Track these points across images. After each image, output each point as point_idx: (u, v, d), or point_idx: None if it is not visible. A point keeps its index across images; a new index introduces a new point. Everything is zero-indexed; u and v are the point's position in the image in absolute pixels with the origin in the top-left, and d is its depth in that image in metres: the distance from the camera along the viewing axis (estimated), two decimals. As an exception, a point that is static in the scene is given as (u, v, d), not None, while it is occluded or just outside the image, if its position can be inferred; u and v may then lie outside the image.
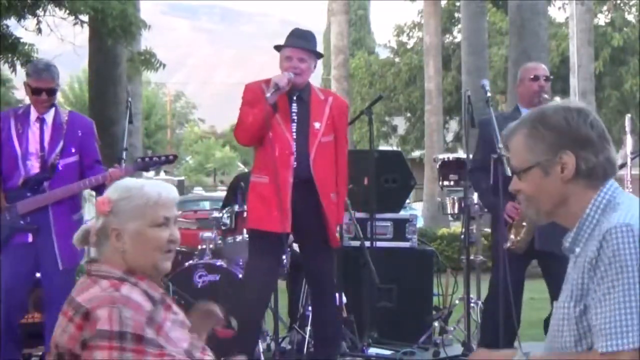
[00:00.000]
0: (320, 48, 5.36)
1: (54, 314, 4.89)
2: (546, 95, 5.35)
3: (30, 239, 4.87)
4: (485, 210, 6.11)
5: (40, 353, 5.64)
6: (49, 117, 4.99)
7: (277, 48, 5.05)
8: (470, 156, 5.70)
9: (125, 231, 2.44)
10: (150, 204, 2.45)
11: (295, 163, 4.91)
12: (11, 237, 4.86)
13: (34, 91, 4.93)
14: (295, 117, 4.99)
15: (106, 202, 2.46)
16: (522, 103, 5.42)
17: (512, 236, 4.92)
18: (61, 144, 4.95)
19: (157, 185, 2.52)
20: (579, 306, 1.97)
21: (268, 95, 4.79)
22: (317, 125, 4.99)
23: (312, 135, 4.97)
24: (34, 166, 4.93)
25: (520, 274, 5.08)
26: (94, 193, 8.27)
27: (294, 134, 4.95)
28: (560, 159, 2.07)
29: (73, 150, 4.99)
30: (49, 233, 4.86)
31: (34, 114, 4.99)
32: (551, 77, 5.54)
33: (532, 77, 5.38)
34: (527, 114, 2.19)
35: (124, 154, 5.31)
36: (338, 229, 5.17)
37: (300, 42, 4.99)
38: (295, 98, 5.00)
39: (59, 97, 38.28)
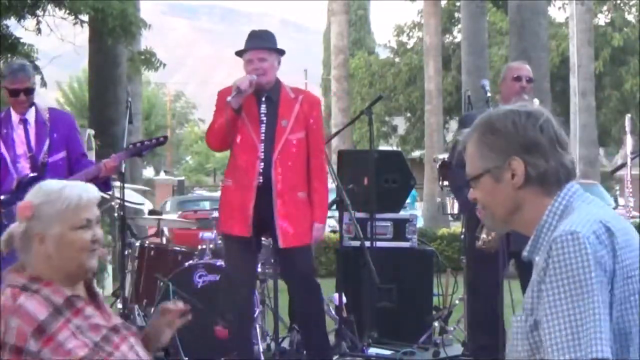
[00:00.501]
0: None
1: None
2: (526, 97, 5.34)
3: None
4: (460, 209, 6.09)
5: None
6: (31, 117, 5.00)
7: (239, 54, 5.04)
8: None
9: (48, 235, 2.44)
10: (72, 207, 2.45)
11: (262, 165, 4.90)
12: None
13: (11, 93, 4.93)
14: (264, 118, 4.96)
15: (28, 207, 2.47)
16: (503, 102, 5.43)
17: (483, 235, 4.87)
18: (47, 141, 4.96)
19: (77, 187, 2.53)
20: (529, 320, 1.90)
21: (229, 99, 4.78)
22: (284, 123, 4.95)
23: (279, 133, 4.93)
24: (25, 167, 4.94)
25: (496, 275, 4.99)
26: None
27: (262, 135, 4.92)
28: (510, 165, 1.98)
29: (60, 147, 4.99)
30: None
31: (15, 117, 4.99)
32: (533, 79, 5.52)
33: (514, 76, 5.37)
34: (477, 119, 2.10)
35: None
36: (315, 228, 5.02)
37: (257, 42, 4.99)
38: (264, 99, 4.98)
39: (59, 98, 38.37)
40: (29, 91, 4.95)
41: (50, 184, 2.54)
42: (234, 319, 5.02)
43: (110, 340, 2.43)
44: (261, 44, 4.98)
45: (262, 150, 4.91)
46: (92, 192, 2.53)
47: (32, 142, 4.95)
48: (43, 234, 2.44)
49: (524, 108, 2.03)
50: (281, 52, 5.04)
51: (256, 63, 4.91)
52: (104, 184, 5.14)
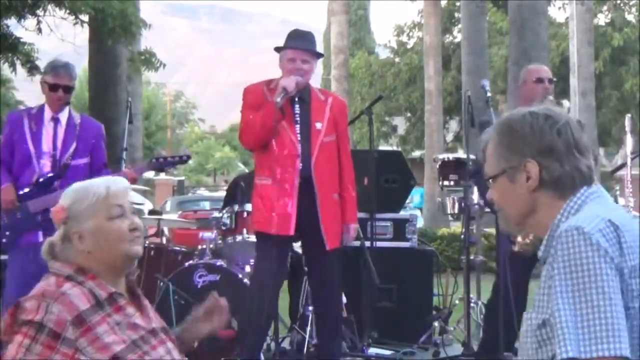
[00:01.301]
0: (320, 48, 5.37)
1: None
2: (551, 97, 5.34)
3: (41, 238, 4.92)
4: (490, 210, 6.09)
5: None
6: (63, 117, 5.04)
7: (278, 49, 5.05)
8: (471, 156, 5.69)
9: (85, 231, 2.48)
10: (101, 199, 2.50)
11: (301, 165, 4.92)
12: (21, 235, 4.89)
13: (50, 87, 4.98)
14: (298, 119, 4.99)
15: (60, 210, 2.54)
16: (525, 105, 5.41)
17: (519, 239, 4.89)
18: (74, 145, 5.00)
19: (103, 180, 2.59)
20: (538, 318, 1.90)
21: (278, 99, 4.78)
22: (318, 125, 5.00)
23: (314, 135, 4.97)
24: (46, 165, 4.98)
25: (525, 277, 5.06)
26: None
27: (298, 135, 4.96)
28: (525, 167, 2.00)
29: (85, 153, 5.04)
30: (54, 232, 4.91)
31: (48, 114, 5.03)
32: (554, 78, 5.53)
33: (535, 79, 5.36)
34: (498, 120, 2.13)
35: (124, 154, 5.34)
36: (350, 229, 5.10)
37: (302, 43, 4.99)
38: (296, 99, 5.00)
39: (59, 97, 38.50)
40: (68, 89, 5.00)
41: (77, 184, 2.60)
42: (256, 321, 4.94)
43: (148, 341, 2.46)
44: (307, 45, 4.99)
45: (300, 150, 4.93)
46: (119, 182, 2.58)
47: (59, 142, 4.99)
48: (80, 231, 2.49)
49: (544, 111, 2.03)
50: (320, 56, 5.12)
51: (298, 63, 4.93)
52: None
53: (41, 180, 4.93)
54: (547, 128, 1.99)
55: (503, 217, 2.10)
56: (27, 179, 4.95)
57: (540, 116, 2.02)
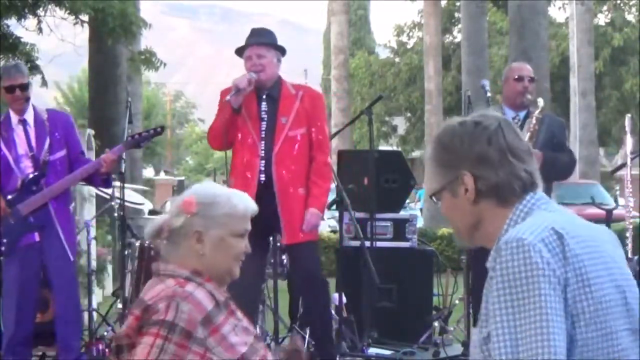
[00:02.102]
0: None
1: (65, 305, 4.96)
2: (529, 96, 5.36)
3: (37, 238, 4.93)
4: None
5: (40, 353, 5.65)
6: (30, 117, 5.06)
7: (238, 53, 5.04)
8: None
9: (208, 235, 2.47)
10: (238, 215, 2.51)
11: (262, 163, 4.90)
12: (19, 240, 4.91)
13: (7, 90, 4.99)
14: (265, 116, 4.96)
15: (193, 203, 2.49)
16: (506, 103, 5.47)
17: None
18: (48, 140, 5.01)
19: (243, 197, 2.59)
20: (483, 332, 1.85)
21: (228, 97, 4.79)
22: (283, 120, 4.94)
23: (278, 130, 4.93)
24: (27, 166, 4.99)
25: None
26: (93, 193, 8.32)
27: (263, 132, 4.93)
28: (462, 180, 1.94)
29: (60, 146, 5.04)
30: (54, 228, 4.94)
31: (14, 118, 5.05)
32: (535, 78, 5.54)
33: (516, 77, 5.40)
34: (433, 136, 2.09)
35: (124, 153, 5.34)
36: (308, 213, 4.96)
37: (255, 39, 4.98)
38: (264, 97, 4.98)
39: (59, 98, 38.35)
40: (24, 87, 5.00)
41: (216, 188, 2.62)
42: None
43: (259, 345, 2.48)
44: (260, 40, 4.98)
45: (263, 148, 4.91)
46: (253, 206, 2.60)
47: (33, 142, 5.00)
48: (203, 232, 2.47)
49: (476, 118, 1.98)
50: (281, 49, 5.03)
51: (255, 59, 4.91)
52: (104, 182, 5.18)
53: (26, 182, 4.93)
54: (476, 137, 1.93)
55: (454, 231, 2.06)
56: (12, 184, 4.96)
57: (469, 125, 1.96)
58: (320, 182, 5.01)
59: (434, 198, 2.03)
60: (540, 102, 5.42)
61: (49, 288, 5.16)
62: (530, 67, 5.61)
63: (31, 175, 4.94)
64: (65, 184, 4.99)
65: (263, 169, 4.90)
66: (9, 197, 4.93)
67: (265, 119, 4.96)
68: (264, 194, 4.86)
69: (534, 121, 5.26)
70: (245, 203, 2.55)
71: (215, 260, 2.48)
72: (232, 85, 4.84)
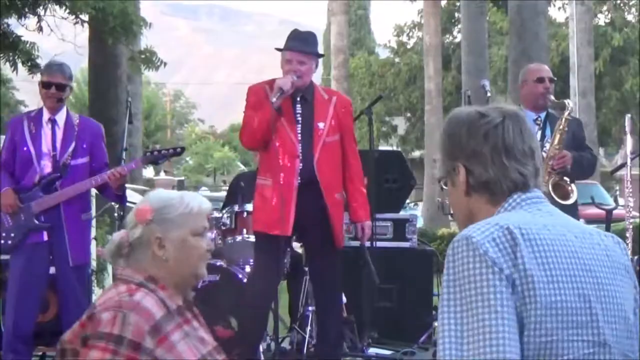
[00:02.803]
0: (320, 48, 5.37)
1: (67, 311, 4.96)
2: (552, 97, 5.34)
3: (45, 237, 4.96)
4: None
5: (40, 353, 5.65)
6: (61, 118, 5.09)
7: (279, 50, 5.06)
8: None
9: (169, 239, 2.46)
10: (193, 213, 2.49)
11: (301, 165, 4.92)
12: (27, 237, 4.93)
13: (44, 85, 5.06)
14: (300, 119, 4.99)
15: (147, 210, 2.47)
16: (526, 104, 5.40)
17: None
18: (73, 144, 5.05)
19: (196, 196, 2.59)
20: None
21: (273, 99, 4.79)
22: (321, 125, 4.99)
23: (316, 136, 4.97)
24: (47, 165, 5.02)
25: None
26: (93, 193, 8.32)
27: (299, 135, 4.96)
28: (457, 171, 1.92)
29: (84, 152, 5.07)
30: (61, 231, 4.96)
31: (46, 115, 5.09)
32: (554, 78, 5.54)
33: (536, 78, 5.36)
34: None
35: (124, 154, 5.34)
36: (364, 227, 5.16)
37: (299, 44, 5.00)
38: (298, 99, 5.00)
39: (59, 97, 38.45)
40: (60, 86, 5.04)
41: (166, 192, 2.59)
42: (254, 317, 4.99)
43: (214, 357, 2.44)
44: (303, 47, 4.99)
45: (300, 150, 4.93)
46: (207, 202, 2.58)
47: (58, 143, 5.04)
48: (163, 237, 2.46)
49: (484, 109, 1.94)
50: (320, 55, 5.12)
51: (295, 65, 4.92)
52: (118, 197, 5.12)
53: (43, 180, 4.96)
54: (475, 131, 1.90)
55: (455, 218, 2.05)
56: (29, 180, 5.00)
57: (473, 116, 1.93)
58: (362, 188, 5.15)
59: (441, 183, 2.03)
60: (570, 103, 5.40)
61: (53, 288, 5.16)
62: (548, 68, 5.60)
63: (50, 175, 4.97)
64: (79, 189, 5.00)
65: (300, 170, 4.93)
66: (24, 194, 4.96)
67: (300, 122, 4.99)
68: (301, 196, 4.90)
69: (563, 122, 5.22)
70: (199, 201, 2.54)
71: (179, 264, 2.46)
72: (275, 86, 4.83)
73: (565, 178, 5.14)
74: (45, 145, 5.02)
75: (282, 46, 5.07)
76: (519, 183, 1.88)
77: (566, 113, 5.24)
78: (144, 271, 2.44)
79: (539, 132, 5.31)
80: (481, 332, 1.68)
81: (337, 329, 5.18)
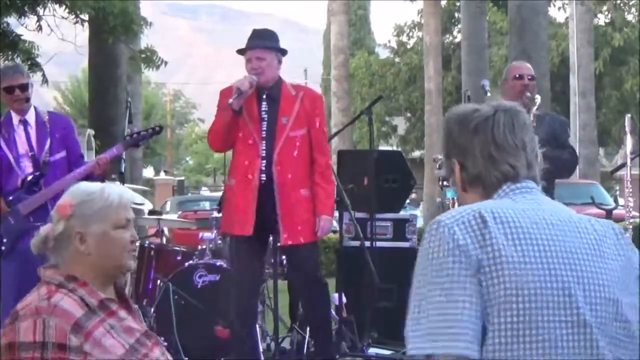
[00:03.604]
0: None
1: None
2: (529, 94, 5.36)
3: None
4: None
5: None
6: (31, 118, 5.07)
7: (240, 53, 5.04)
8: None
9: (89, 234, 2.45)
10: (114, 206, 2.48)
11: (263, 163, 4.90)
12: (19, 240, 4.91)
13: (6, 90, 4.99)
14: (265, 116, 4.96)
15: (67, 206, 2.48)
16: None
17: None
18: (48, 141, 5.03)
19: (117, 188, 2.60)
20: None
21: (231, 100, 4.78)
22: (284, 120, 4.94)
23: (279, 131, 4.93)
24: (28, 166, 5.01)
25: None
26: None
27: (264, 133, 4.92)
28: (454, 168, 1.95)
29: (60, 147, 5.07)
30: None
31: (15, 118, 5.06)
32: (535, 77, 5.55)
33: (516, 76, 5.40)
34: None
35: (123, 154, 5.34)
36: (321, 220, 4.98)
37: (256, 42, 4.99)
38: (264, 97, 4.98)
39: (59, 98, 38.39)
40: (24, 87, 5.00)
41: (89, 185, 2.58)
42: (236, 319, 5.02)
43: (144, 344, 2.45)
44: (260, 43, 4.98)
45: (264, 148, 4.91)
46: (129, 193, 2.59)
47: (33, 142, 5.02)
48: (84, 232, 2.46)
49: (478, 105, 1.96)
50: (282, 51, 5.04)
51: (254, 62, 4.91)
52: (92, 174, 5.18)
53: (26, 182, 4.95)
54: (466, 125, 1.92)
55: None
56: (13, 184, 4.97)
57: (467, 111, 1.94)
58: (325, 185, 5.02)
59: (441, 183, 2.06)
60: (538, 99, 5.42)
61: None
62: (530, 66, 5.61)
63: (31, 176, 4.96)
64: (64, 184, 5.00)
65: (264, 169, 4.91)
66: (10, 197, 4.94)
67: (266, 119, 4.96)
68: (265, 195, 4.88)
69: (532, 118, 5.26)
70: (120, 193, 2.53)
71: (102, 257, 2.46)
72: (233, 87, 4.83)
73: None
74: (22, 147, 5.00)
75: (235, 51, 5.06)
76: (509, 175, 1.89)
77: (534, 109, 5.28)
78: (65, 269, 2.45)
79: None
80: (436, 318, 1.72)
81: (325, 327, 5.15)
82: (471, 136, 1.90)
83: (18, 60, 9.91)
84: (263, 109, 4.97)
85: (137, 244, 2.57)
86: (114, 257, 2.48)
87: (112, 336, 2.37)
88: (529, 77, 5.40)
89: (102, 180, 5.17)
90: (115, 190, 2.54)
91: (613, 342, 1.78)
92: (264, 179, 4.90)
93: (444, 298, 1.73)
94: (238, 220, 4.90)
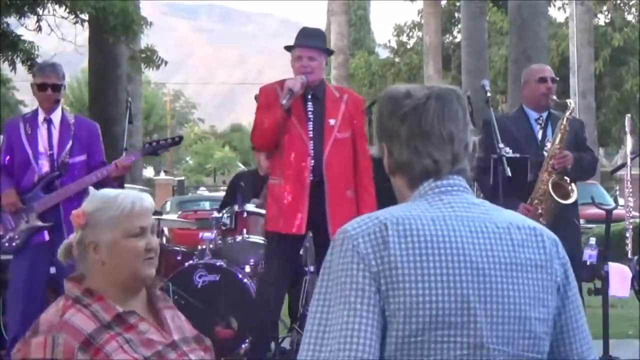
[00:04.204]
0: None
1: None
2: (554, 97, 5.34)
3: (47, 237, 4.95)
4: None
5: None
6: (56, 118, 5.10)
7: (288, 48, 5.05)
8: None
9: (102, 243, 2.42)
10: (125, 214, 2.42)
11: (312, 162, 4.91)
12: (30, 238, 4.93)
13: (39, 87, 5.05)
14: (311, 116, 4.97)
15: (80, 214, 2.45)
16: (528, 104, 5.39)
17: None
18: (70, 143, 5.06)
19: (132, 195, 2.50)
20: None
21: (283, 101, 4.77)
22: (332, 122, 4.96)
23: (327, 132, 4.94)
24: (44, 165, 5.03)
25: None
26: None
27: (310, 132, 4.93)
28: (383, 148, 1.87)
29: (81, 150, 5.09)
30: (61, 230, 4.95)
31: (41, 116, 5.10)
32: (557, 78, 5.54)
33: (538, 78, 5.36)
34: None
35: (124, 154, 5.35)
36: None
37: (308, 41, 4.98)
38: (310, 97, 4.98)
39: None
40: (56, 87, 5.04)
41: (105, 192, 2.52)
42: (264, 318, 4.97)
43: (164, 356, 2.39)
44: (313, 43, 4.98)
45: (312, 148, 4.92)
46: (146, 200, 2.50)
47: (55, 142, 5.05)
48: (97, 241, 2.42)
49: (412, 88, 1.84)
50: (330, 52, 5.11)
51: (305, 61, 4.90)
52: (117, 185, 5.17)
53: (42, 180, 4.97)
54: (396, 110, 1.81)
55: None
56: (28, 180, 5.01)
57: (400, 95, 1.82)
58: (370, 189, 5.08)
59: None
60: (571, 102, 5.40)
61: (53, 289, 5.16)
62: (551, 68, 5.60)
63: (48, 174, 4.98)
64: (80, 186, 5.01)
65: (312, 168, 4.90)
66: (26, 194, 4.97)
67: (312, 119, 4.96)
68: (314, 194, 4.88)
69: (564, 122, 5.22)
70: (134, 200, 2.45)
71: (115, 267, 2.41)
72: (285, 87, 4.82)
73: (566, 178, 5.14)
74: (42, 145, 5.03)
75: (284, 46, 5.07)
76: (430, 170, 1.79)
77: (567, 113, 5.24)
78: (83, 282, 2.43)
79: (540, 132, 5.31)
80: (338, 332, 1.64)
81: None
82: (398, 123, 1.81)
83: (18, 61, 9.93)
84: (309, 108, 4.97)
85: (154, 252, 2.46)
86: (127, 266, 2.42)
87: (124, 351, 2.33)
88: (552, 79, 5.38)
89: (120, 185, 5.20)
90: (129, 197, 2.47)
91: None
92: (312, 178, 4.89)
93: (347, 312, 1.65)
94: (289, 219, 4.86)
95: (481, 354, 1.67)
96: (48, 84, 5.02)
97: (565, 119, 5.21)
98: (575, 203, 5.23)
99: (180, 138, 5.49)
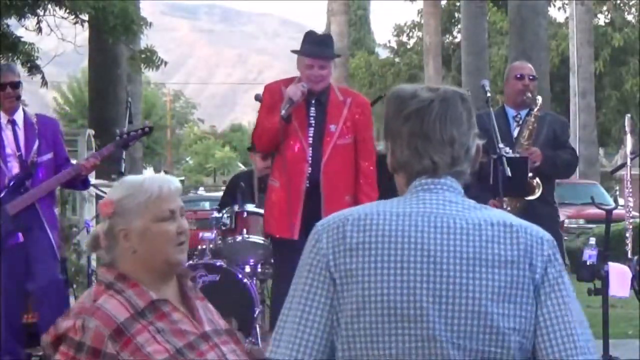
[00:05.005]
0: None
1: (53, 305, 4.95)
2: (530, 94, 5.37)
3: (21, 238, 4.94)
4: None
5: (40, 353, 5.65)
6: (19, 118, 5.12)
7: (296, 52, 4.99)
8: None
9: (132, 230, 2.39)
10: (153, 199, 2.39)
11: (309, 169, 4.89)
12: (7, 240, 4.92)
13: None
14: (313, 122, 4.95)
15: (108, 203, 2.42)
16: (508, 102, 5.51)
17: None
18: (37, 142, 5.08)
19: (157, 179, 2.49)
20: None
21: (282, 111, 4.76)
22: (332, 127, 4.93)
23: (327, 138, 4.93)
24: (14, 166, 5.04)
25: None
26: (93, 193, 8.34)
27: (310, 138, 4.91)
28: (388, 146, 1.89)
29: (48, 149, 5.11)
30: (42, 228, 4.97)
31: (4, 118, 5.09)
32: (536, 77, 5.57)
33: (517, 75, 5.42)
34: None
35: (124, 154, 5.35)
36: None
37: (321, 50, 4.93)
38: (313, 102, 4.95)
39: (58, 98, 38.34)
40: (15, 85, 5.05)
41: (130, 179, 2.50)
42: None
43: (196, 347, 2.35)
44: (325, 52, 4.94)
45: (310, 154, 4.90)
46: (173, 182, 2.48)
47: (21, 143, 5.07)
48: (127, 229, 2.39)
49: (419, 89, 1.87)
50: (337, 57, 5.12)
51: (316, 70, 4.86)
52: (83, 183, 5.31)
53: (12, 182, 4.97)
54: (400, 110, 1.84)
55: None
56: (1, 182, 4.98)
57: (406, 94, 1.85)
58: (372, 194, 5.04)
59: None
60: (539, 99, 5.44)
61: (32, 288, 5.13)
62: (532, 66, 5.64)
63: (19, 175, 4.99)
64: (52, 185, 5.07)
65: (309, 174, 4.89)
66: None
67: (314, 125, 4.94)
68: (310, 199, 4.87)
69: (532, 119, 5.29)
70: (160, 183, 2.43)
71: (147, 253, 2.39)
72: (285, 96, 4.79)
73: (530, 174, 5.17)
74: (10, 147, 5.04)
75: (291, 50, 5.05)
76: (428, 170, 1.82)
77: (535, 109, 5.31)
78: (116, 268, 2.40)
79: (517, 130, 5.36)
80: (289, 332, 1.75)
81: None
82: (402, 123, 1.83)
83: (18, 62, 9.94)
84: (311, 114, 4.94)
85: (185, 236, 2.45)
86: (159, 251, 2.40)
87: (156, 341, 2.30)
88: (530, 77, 5.42)
89: (85, 181, 5.30)
90: (156, 181, 2.44)
91: (481, 356, 1.72)
92: (309, 184, 4.89)
93: (301, 307, 1.76)
94: (281, 222, 4.88)
95: (434, 346, 1.71)
96: (6, 82, 5.02)
97: (532, 116, 5.28)
98: (549, 201, 5.34)
99: (151, 128, 5.53)
